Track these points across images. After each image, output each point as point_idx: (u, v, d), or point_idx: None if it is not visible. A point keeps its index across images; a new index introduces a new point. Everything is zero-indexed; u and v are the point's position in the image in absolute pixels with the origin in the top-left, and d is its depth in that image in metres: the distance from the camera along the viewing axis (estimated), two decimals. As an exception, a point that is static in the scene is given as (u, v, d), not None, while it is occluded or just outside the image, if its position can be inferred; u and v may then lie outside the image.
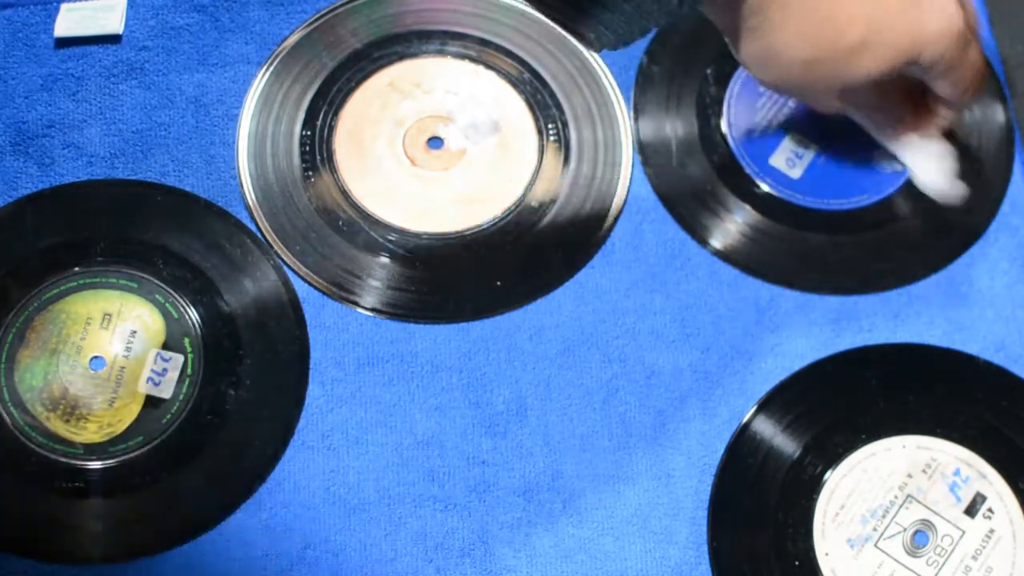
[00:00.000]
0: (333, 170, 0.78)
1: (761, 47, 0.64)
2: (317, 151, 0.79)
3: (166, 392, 0.72)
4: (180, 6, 0.83)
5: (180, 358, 0.73)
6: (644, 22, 0.60)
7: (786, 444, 0.72)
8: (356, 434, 0.73)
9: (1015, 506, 0.71)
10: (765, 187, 0.79)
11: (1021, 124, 0.81)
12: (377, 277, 0.76)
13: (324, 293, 0.75)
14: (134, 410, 0.72)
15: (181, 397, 0.72)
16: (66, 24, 0.82)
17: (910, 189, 0.78)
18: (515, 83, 0.81)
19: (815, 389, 0.74)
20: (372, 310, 0.75)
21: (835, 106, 0.71)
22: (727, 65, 0.82)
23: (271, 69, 0.81)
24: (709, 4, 0.63)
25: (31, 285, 0.74)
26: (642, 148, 0.80)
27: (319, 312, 0.75)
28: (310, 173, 0.78)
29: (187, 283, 0.75)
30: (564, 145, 0.80)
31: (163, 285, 0.74)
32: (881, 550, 0.70)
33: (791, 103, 0.81)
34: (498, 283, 0.76)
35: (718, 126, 0.81)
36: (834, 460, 0.71)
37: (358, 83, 0.81)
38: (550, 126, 0.80)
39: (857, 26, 0.63)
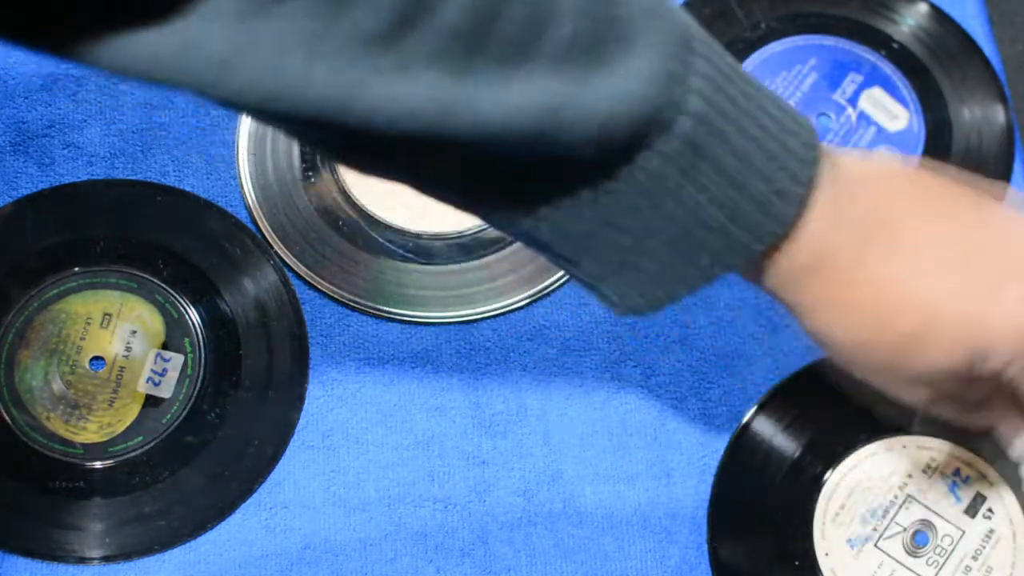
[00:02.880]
0: (333, 170, 0.78)
1: (810, 325, 0.54)
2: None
3: (166, 392, 0.72)
4: (180, 6, 0.83)
5: (180, 358, 0.73)
6: (675, 287, 0.51)
7: (786, 444, 0.72)
8: (356, 434, 0.73)
9: (1015, 506, 0.71)
10: (765, 187, 0.79)
11: (1021, 124, 0.81)
12: (377, 277, 0.76)
13: (324, 293, 0.75)
14: (134, 410, 0.72)
15: (181, 397, 0.72)
16: (66, 24, 0.81)
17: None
18: None
19: (815, 389, 0.74)
20: (372, 310, 0.75)
21: (923, 397, 0.57)
22: (727, 65, 0.82)
23: (271, 69, 0.81)
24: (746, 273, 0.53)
25: (31, 285, 0.74)
26: (642, 148, 0.80)
27: (319, 312, 0.75)
28: (310, 173, 0.78)
29: (187, 283, 0.75)
30: (564, 145, 0.80)
31: (163, 285, 0.74)
32: (881, 550, 0.70)
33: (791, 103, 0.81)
34: (498, 283, 0.76)
35: (718, 126, 0.81)
36: (834, 460, 0.71)
37: (358, 83, 0.81)
38: (550, 126, 0.80)
39: (912, 312, 0.52)
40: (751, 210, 0.49)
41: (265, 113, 0.44)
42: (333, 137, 0.46)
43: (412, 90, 0.43)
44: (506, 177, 0.49)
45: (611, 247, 0.50)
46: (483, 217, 0.53)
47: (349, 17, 0.41)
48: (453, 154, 0.46)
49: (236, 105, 0.43)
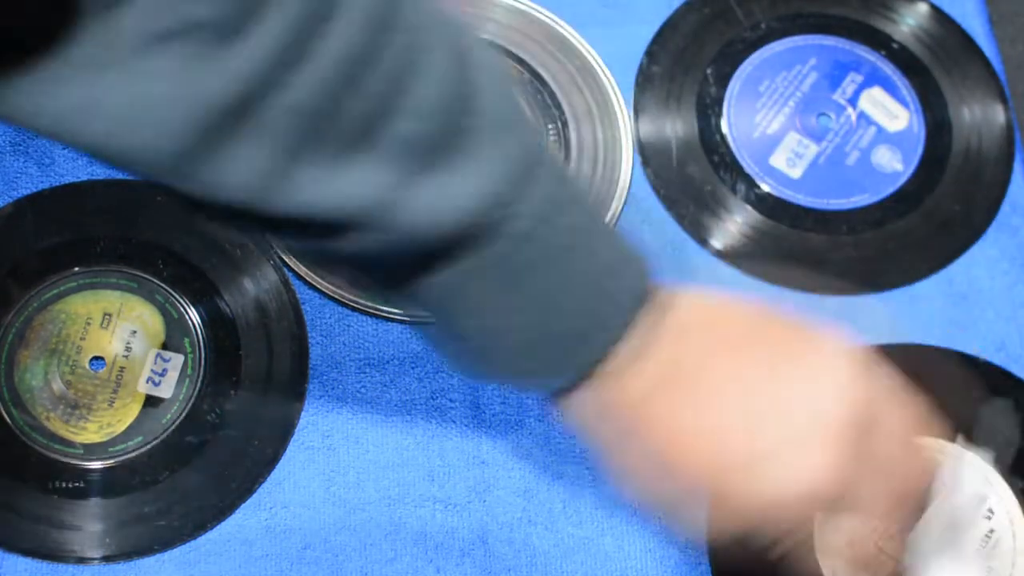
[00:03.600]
0: (333, 170, 0.78)
1: (607, 458, 0.54)
2: (317, 151, 0.79)
3: (166, 392, 0.72)
4: (180, 6, 0.83)
5: (180, 358, 0.73)
6: (490, 375, 0.54)
7: (786, 444, 0.72)
8: (356, 434, 0.73)
9: (1015, 506, 0.70)
10: (765, 187, 0.79)
11: (1021, 124, 0.81)
12: (377, 277, 0.76)
13: (324, 293, 0.75)
14: (134, 410, 0.72)
15: (181, 397, 0.72)
16: (66, 24, 0.81)
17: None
18: (515, 83, 0.81)
19: (815, 389, 0.73)
20: (372, 310, 0.75)
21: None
22: (727, 65, 0.82)
23: (271, 69, 0.81)
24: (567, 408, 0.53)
25: (31, 285, 0.74)
26: (642, 148, 0.80)
27: (319, 312, 0.75)
28: (310, 173, 0.78)
29: (187, 283, 0.75)
30: (564, 145, 0.80)
31: (163, 285, 0.74)
32: (881, 550, 0.70)
33: (790, 105, 0.81)
34: (498, 283, 0.76)
35: (718, 126, 0.81)
36: (834, 460, 0.71)
37: (358, 83, 0.81)
38: (550, 126, 0.80)
39: (691, 471, 0.52)
40: (558, 342, 0.50)
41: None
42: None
43: (244, 163, 0.43)
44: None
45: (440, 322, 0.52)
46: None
47: (205, 84, 0.41)
48: (288, 228, 0.47)
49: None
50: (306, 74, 0.42)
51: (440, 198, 0.46)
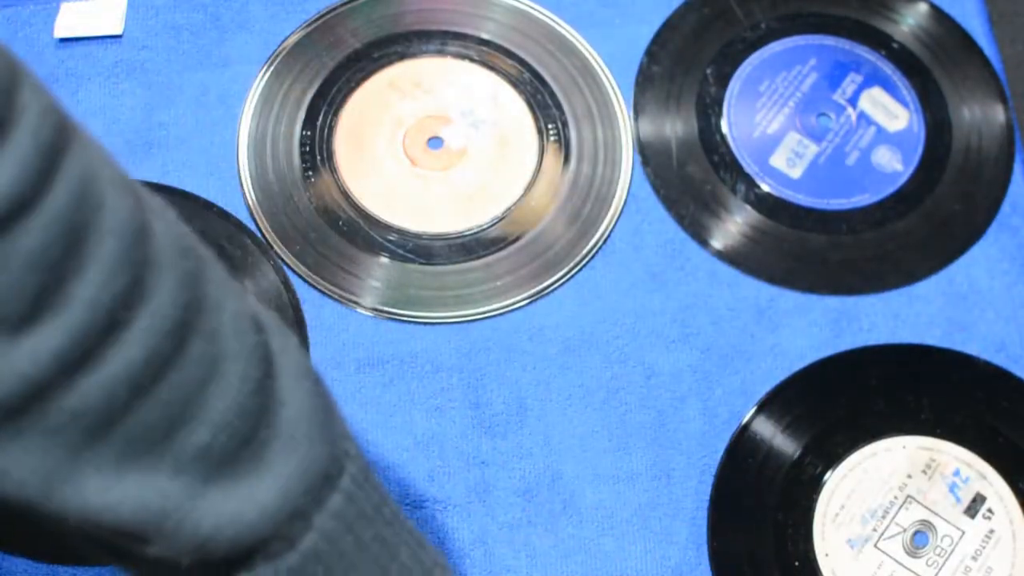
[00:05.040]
0: (333, 170, 0.78)
1: None
2: (317, 151, 0.79)
3: (166, 392, 0.72)
4: (180, 5, 0.83)
5: (180, 358, 0.73)
6: None
7: (786, 444, 0.72)
8: (356, 434, 0.73)
9: (1015, 506, 0.71)
10: (765, 187, 0.79)
11: (1021, 124, 0.81)
12: (377, 277, 0.76)
13: (324, 293, 0.75)
14: (134, 410, 0.72)
15: (181, 397, 0.72)
16: (66, 24, 0.82)
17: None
18: (515, 83, 0.81)
19: (815, 389, 0.74)
20: (372, 310, 0.75)
21: None
22: (727, 65, 0.82)
23: (271, 69, 0.81)
24: None
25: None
26: (642, 148, 0.80)
27: (319, 312, 0.75)
28: (310, 173, 0.78)
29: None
30: (564, 145, 0.80)
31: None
32: (881, 550, 0.70)
33: (790, 105, 0.81)
34: (498, 283, 0.76)
35: (718, 126, 0.81)
36: (834, 460, 0.71)
37: (358, 83, 0.81)
38: (550, 126, 0.80)
39: None
40: None
41: None
42: None
43: (25, 461, 0.41)
44: (126, 552, 0.48)
45: None
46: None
47: None
48: (71, 525, 0.45)
49: None
50: (95, 379, 0.41)
51: (229, 511, 0.45)
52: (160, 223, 0.44)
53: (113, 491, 0.43)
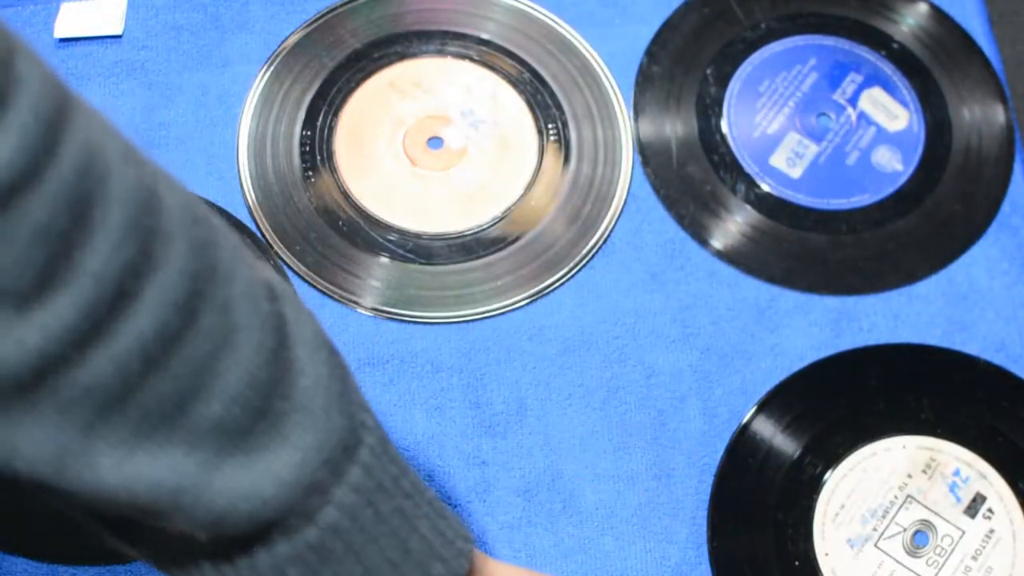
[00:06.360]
0: (333, 170, 0.78)
1: None
2: (317, 151, 0.79)
3: (166, 392, 0.72)
4: (180, 5, 0.83)
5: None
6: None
7: (786, 444, 0.72)
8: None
9: (1015, 506, 0.71)
10: (765, 187, 0.79)
11: (1021, 124, 0.81)
12: (377, 277, 0.76)
13: (324, 293, 0.75)
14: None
15: (181, 397, 0.72)
16: (66, 24, 0.82)
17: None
18: (515, 83, 0.81)
19: (815, 389, 0.74)
20: (372, 310, 0.75)
21: None
22: (727, 65, 0.82)
23: (271, 69, 0.81)
24: None
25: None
26: (642, 148, 0.80)
27: (319, 312, 0.75)
28: (310, 173, 0.78)
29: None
30: (564, 145, 0.80)
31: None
32: (881, 550, 0.70)
33: (790, 105, 0.81)
34: (498, 283, 0.76)
35: (718, 126, 0.81)
36: (834, 460, 0.71)
37: (358, 83, 0.81)
38: (550, 126, 0.80)
39: None
40: None
41: None
42: None
43: (39, 437, 0.41)
44: (138, 531, 0.47)
45: None
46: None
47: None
48: (77, 504, 0.44)
49: None
50: (106, 352, 0.40)
51: (246, 485, 0.44)
52: (169, 192, 0.43)
53: (126, 467, 0.42)
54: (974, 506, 0.70)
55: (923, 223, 0.79)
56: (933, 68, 0.83)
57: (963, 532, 0.70)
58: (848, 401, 0.73)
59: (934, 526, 0.70)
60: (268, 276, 0.47)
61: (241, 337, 0.44)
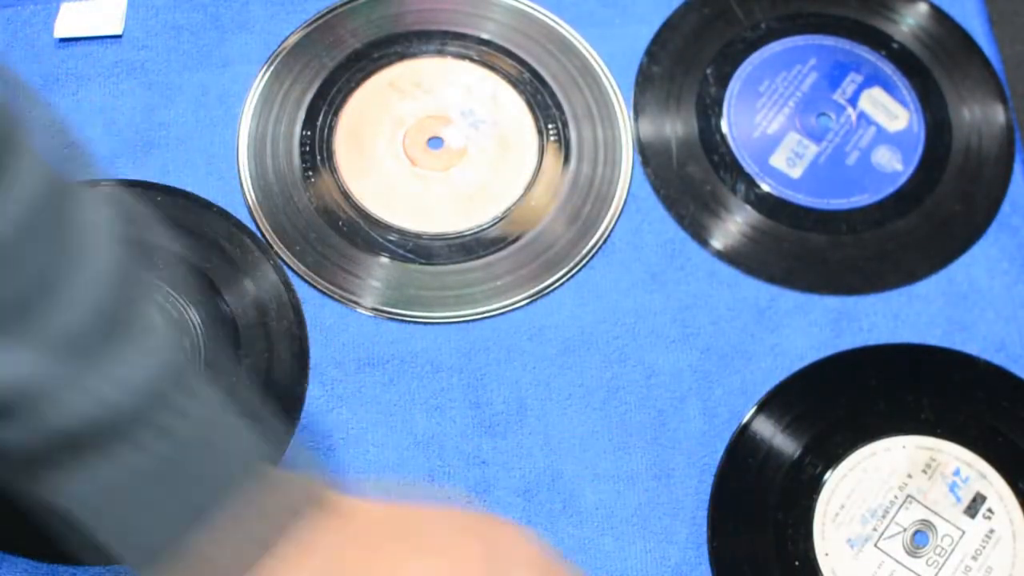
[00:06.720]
0: (333, 170, 0.78)
1: None
2: (317, 151, 0.79)
3: (166, 392, 0.72)
4: (180, 5, 0.83)
5: (180, 358, 0.73)
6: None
7: (786, 444, 0.72)
8: (356, 434, 0.73)
9: (1015, 506, 0.71)
10: (765, 187, 0.79)
11: (1021, 124, 0.81)
12: (377, 277, 0.76)
13: (324, 293, 0.75)
14: (134, 410, 0.72)
15: (181, 397, 0.72)
16: (66, 24, 0.82)
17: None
18: (515, 83, 0.81)
19: (815, 389, 0.74)
20: (372, 310, 0.75)
21: None
22: (727, 65, 0.82)
23: (271, 69, 0.81)
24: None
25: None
26: (642, 148, 0.80)
27: (319, 312, 0.75)
28: (310, 173, 0.78)
29: (187, 283, 0.74)
30: (564, 145, 0.80)
31: (163, 285, 0.74)
32: (881, 550, 0.70)
33: (790, 105, 0.81)
34: (498, 283, 0.76)
35: (718, 126, 0.81)
36: (834, 460, 0.71)
37: (358, 83, 0.81)
38: (550, 126, 0.80)
39: None
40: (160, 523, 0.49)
41: None
42: None
43: None
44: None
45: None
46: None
47: None
48: None
49: None
50: None
51: (94, 389, 0.46)
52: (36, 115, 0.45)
53: None
54: (974, 506, 0.70)
55: (923, 223, 0.79)
56: (933, 68, 0.83)
57: (963, 532, 0.70)
58: (848, 401, 0.73)
59: (934, 526, 0.70)
60: (122, 197, 0.49)
61: (87, 260, 0.45)
